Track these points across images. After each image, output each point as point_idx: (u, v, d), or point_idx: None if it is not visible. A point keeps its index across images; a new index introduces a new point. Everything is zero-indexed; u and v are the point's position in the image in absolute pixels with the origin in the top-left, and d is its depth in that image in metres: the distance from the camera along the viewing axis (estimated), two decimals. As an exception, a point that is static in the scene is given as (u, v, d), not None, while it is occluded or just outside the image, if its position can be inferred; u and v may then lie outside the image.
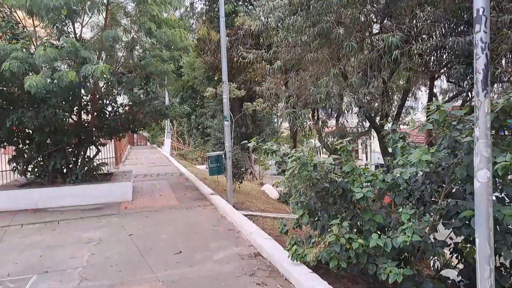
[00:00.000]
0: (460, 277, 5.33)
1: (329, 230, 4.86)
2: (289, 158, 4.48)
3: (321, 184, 4.60)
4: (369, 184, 4.49)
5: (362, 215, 4.48)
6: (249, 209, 10.14)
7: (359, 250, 4.00)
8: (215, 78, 20.06)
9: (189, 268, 5.08)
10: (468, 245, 4.90)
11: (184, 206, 9.16)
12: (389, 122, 10.63)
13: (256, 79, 18.14)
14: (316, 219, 5.00)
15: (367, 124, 10.35)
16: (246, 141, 5.40)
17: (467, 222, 3.98)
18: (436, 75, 7.22)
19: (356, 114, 9.72)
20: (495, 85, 6.38)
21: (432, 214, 4.29)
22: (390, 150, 8.59)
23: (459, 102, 9.22)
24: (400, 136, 5.31)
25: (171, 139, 35.43)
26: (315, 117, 11.70)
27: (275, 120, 32.06)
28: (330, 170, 4.55)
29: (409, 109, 11.79)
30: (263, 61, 7.84)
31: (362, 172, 4.53)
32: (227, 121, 9.52)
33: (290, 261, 4.69)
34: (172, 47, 10.21)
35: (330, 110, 7.17)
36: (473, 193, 4.00)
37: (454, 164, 4.00)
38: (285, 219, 8.78)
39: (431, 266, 6.25)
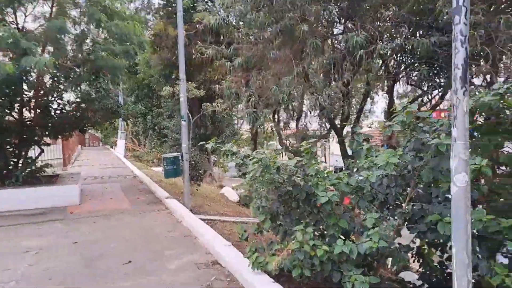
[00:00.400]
0: (421, 280, 5.28)
1: (292, 236, 4.62)
2: (250, 160, 4.18)
3: (284, 187, 4.34)
4: (333, 187, 4.28)
5: (326, 219, 4.26)
6: (208, 213, 9.75)
7: (324, 257, 3.77)
8: (173, 76, 19.47)
9: (139, 280, 4.64)
10: (433, 249, 4.86)
11: (137, 210, 8.62)
12: (349, 125, 10.66)
13: (216, 79, 17.75)
14: (278, 224, 4.73)
15: (327, 126, 10.31)
16: (204, 142, 5.05)
17: (432, 226, 3.86)
18: (397, 78, 7.24)
19: (317, 117, 9.64)
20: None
21: (396, 218, 4.15)
22: (350, 152, 8.54)
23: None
24: (364, 138, 5.19)
25: (126, 140, 34.13)
26: (276, 119, 11.51)
27: (235, 121, 31.75)
28: (294, 173, 4.30)
29: (367, 112, 11.90)
30: (223, 58, 7.52)
31: (326, 175, 4.32)
32: (184, 121, 9.09)
33: (250, 270, 4.38)
34: (127, 42, 9.63)
35: (292, 111, 6.97)
36: (439, 196, 3.94)
37: (420, 167, 3.88)
38: (245, 224, 8.49)
39: (389, 267, 6.19)
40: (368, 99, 10.38)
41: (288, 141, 10.99)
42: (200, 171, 12.37)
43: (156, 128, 31.32)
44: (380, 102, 14.15)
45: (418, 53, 5.36)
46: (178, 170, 9.39)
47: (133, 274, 4.80)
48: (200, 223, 6.98)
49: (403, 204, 4.28)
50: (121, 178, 14.96)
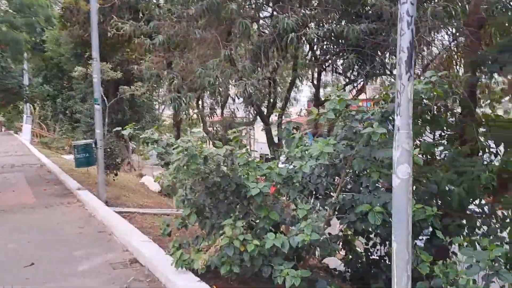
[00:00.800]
0: (346, 267, 5.35)
1: (220, 231, 4.32)
2: (174, 149, 3.77)
3: (212, 178, 4.01)
4: (262, 177, 4.06)
5: (257, 212, 4.03)
6: (126, 204, 9.05)
7: (254, 252, 3.54)
8: (86, 55, 17.84)
9: (42, 286, 4.01)
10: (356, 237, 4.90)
11: (43, 204, 7.67)
12: (276, 113, 10.60)
13: (134, 59, 16.59)
14: (204, 217, 4.39)
15: (253, 113, 10.11)
16: (121, 128, 4.50)
17: (362, 216, 3.83)
18: (323, 66, 7.23)
19: (243, 103, 9.35)
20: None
21: (327, 208, 4.06)
22: (276, 140, 8.44)
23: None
24: (294, 126, 5.04)
25: (32, 124, 30.98)
26: (201, 104, 11.03)
27: (156, 107, 30.38)
28: (222, 163, 3.98)
29: (292, 100, 11.95)
30: (142, 36, 6.87)
31: (256, 165, 4.07)
32: (98, 104, 8.25)
33: (174, 269, 4.01)
34: (31, 15, 8.43)
35: (219, 96, 6.59)
36: (370, 186, 3.91)
37: (351, 156, 3.80)
38: (167, 217, 7.99)
39: (316, 256, 6.23)
40: (294, 87, 10.35)
41: (214, 129, 10.61)
42: (117, 160, 11.48)
43: (67, 112, 28.72)
44: (304, 91, 14.29)
45: (347, 40, 5.32)
46: (91, 158, 8.54)
47: (36, 279, 4.15)
48: (116, 217, 6.38)
49: (333, 194, 4.21)
50: (26, 167, 13.41)
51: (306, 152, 3.59)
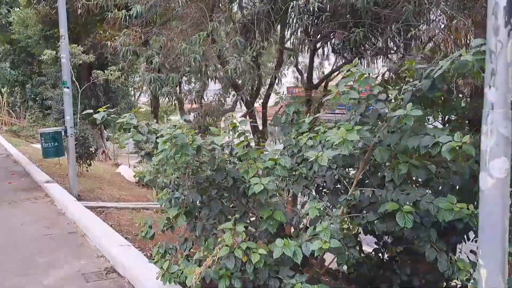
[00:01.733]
0: (352, 268, 4.78)
1: (212, 233, 3.65)
2: (158, 137, 3.05)
3: (203, 172, 3.32)
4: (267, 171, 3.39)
5: (258, 212, 3.37)
6: (100, 198, 8.25)
7: (260, 264, 2.89)
8: (55, 35, 16.62)
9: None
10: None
11: (6, 200, 6.79)
12: (260, 99, 9.93)
13: (108, 40, 15.50)
14: (194, 217, 3.70)
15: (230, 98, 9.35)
16: (92, 111, 3.72)
17: (383, 216, 3.22)
18: (319, 44, 6.55)
19: (221, 88, 8.58)
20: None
21: (341, 206, 3.43)
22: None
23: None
24: (296, 110, 4.37)
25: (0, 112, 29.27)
26: (179, 89, 10.21)
27: (131, 93, 29.16)
28: (217, 153, 3.29)
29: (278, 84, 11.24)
30: (117, 9, 6.02)
31: (258, 156, 3.39)
32: (68, 88, 7.37)
33: (160, 282, 3.32)
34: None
35: (206, 77, 5.84)
36: (395, 180, 3.29)
37: (372, 144, 3.17)
38: (148, 215, 7.25)
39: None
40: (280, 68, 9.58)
41: (199, 115, 9.85)
42: (91, 149, 10.58)
43: (37, 99, 27.24)
44: (289, 76, 13.61)
45: (353, 11, 4.67)
46: (60, 148, 7.67)
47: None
48: (89, 215, 5.61)
49: (348, 189, 3.58)
50: (-11, 158, 12.32)
51: (325, 140, 2.92)
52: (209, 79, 5.75)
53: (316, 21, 5.41)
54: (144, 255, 4.46)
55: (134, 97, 30.90)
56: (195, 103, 7.22)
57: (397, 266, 4.28)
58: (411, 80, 3.18)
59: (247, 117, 8.92)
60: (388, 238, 4.40)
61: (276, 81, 9.15)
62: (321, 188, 3.97)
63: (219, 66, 5.37)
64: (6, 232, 5.08)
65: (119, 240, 4.54)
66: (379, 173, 3.45)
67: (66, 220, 5.65)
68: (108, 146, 24.98)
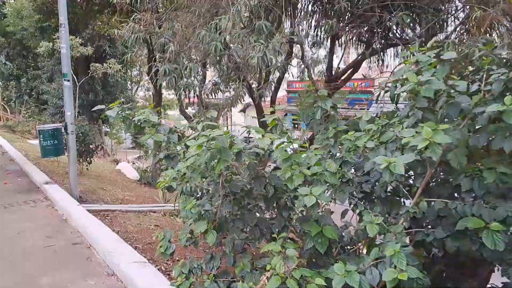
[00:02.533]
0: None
1: (267, 267, 3.09)
2: (189, 138, 2.50)
3: (240, 181, 2.76)
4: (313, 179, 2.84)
5: (303, 227, 2.83)
6: (103, 199, 7.71)
7: (316, 295, 2.35)
8: (52, 26, 15.98)
9: None
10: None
11: (2, 203, 6.21)
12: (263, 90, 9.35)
13: (107, 33, 14.94)
14: (224, 232, 3.15)
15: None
16: (103, 107, 3.15)
17: (456, 233, 2.69)
18: (346, 29, 5.91)
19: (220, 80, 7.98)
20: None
21: (402, 219, 2.89)
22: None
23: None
24: (332, 105, 3.83)
25: (-6, 106, 28.58)
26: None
27: (129, 87, 28.52)
28: (260, 157, 2.74)
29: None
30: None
31: (303, 161, 2.84)
32: (68, 80, 6.77)
33: (186, 312, 2.78)
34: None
35: (227, 68, 5.24)
36: (476, 191, 2.75)
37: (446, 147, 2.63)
38: (156, 218, 6.70)
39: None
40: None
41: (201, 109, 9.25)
42: (91, 146, 10.00)
43: (33, 93, 26.58)
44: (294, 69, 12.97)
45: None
46: (60, 146, 7.07)
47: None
48: (95, 222, 5.05)
49: (408, 198, 3.05)
50: (-17, 155, 11.71)
51: (403, 144, 2.37)
52: (229, 69, 5.15)
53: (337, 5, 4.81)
54: (158, 269, 3.94)
55: (131, 91, 30.26)
56: (207, 97, 6.64)
57: (447, 281, 3.76)
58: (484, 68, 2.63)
59: (245, 112, 8.37)
60: (438, 252, 3.88)
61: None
62: (372, 196, 3.42)
63: (240, 53, 4.78)
64: (2, 243, 4.52)
65: (130, 252, 3.99)
66: (450, 181, 2.89)
67: (69, 227, 5.09)
68: (106, 142, 24.36)
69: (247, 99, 9.78)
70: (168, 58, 4.82)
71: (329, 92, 7.41)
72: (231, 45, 4.61)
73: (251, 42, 4.14)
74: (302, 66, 9.39)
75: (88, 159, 9.86)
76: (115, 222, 5.88)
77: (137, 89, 34.82)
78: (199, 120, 3.04)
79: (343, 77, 7.07)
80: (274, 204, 2.92)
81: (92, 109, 3.20)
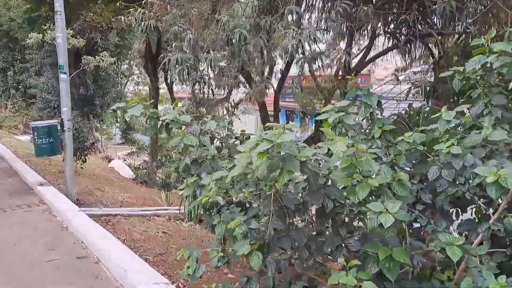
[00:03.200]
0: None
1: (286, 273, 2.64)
2: (252, 145, 2.01)
3: (294, 195, 2.29)
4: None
5: (366, 248, 2.38)
6: (102, 202, 7.18)
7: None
8: (42, 16, 15.21)
9: None
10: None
11: (-9, 208, 5.64)
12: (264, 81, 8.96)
13: (100, 25, 14.24)
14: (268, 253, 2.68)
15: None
16: (125, 105, 2.63)
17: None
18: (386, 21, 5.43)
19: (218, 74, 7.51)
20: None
21: (482, 238, 2.46)
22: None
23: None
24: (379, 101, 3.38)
25: (-22, 101, 27.57)
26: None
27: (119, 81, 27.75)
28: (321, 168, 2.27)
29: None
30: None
31: (365, 169, 2.38)
32: (65, 73, 6.20)
33: None
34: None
35: (248, 59, 4.75)
36: None
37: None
38: (162, 223, 6.20)
39: None
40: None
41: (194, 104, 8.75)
42: (86, 143, 9.41)
43: (20, 87, 25.69)
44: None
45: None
46: (55, 144, 6.49)
47: None
48: (99, 231, 4.52)
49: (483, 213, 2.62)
50: (-32, 153, 10.98)
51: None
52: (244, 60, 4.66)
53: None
54: (172, 283, 3.48)
55: (121, 85, 29.50)
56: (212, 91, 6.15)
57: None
58: None
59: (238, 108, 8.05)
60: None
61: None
62: (429, 208, 2.99)
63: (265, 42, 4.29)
64: (-5, 256, 3.97)
65: (145, 269, 3.48)
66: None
67: (70, 237, 4.55)
68: (99, 138, 23.71)
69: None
70: (181, 47, 4.29)
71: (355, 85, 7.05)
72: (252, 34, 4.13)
73: (279, 29, 3.68)
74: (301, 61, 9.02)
75: (82, 157, 9.27)
76: (118, 228, 5.37)
77: (126, 83, 33.99)
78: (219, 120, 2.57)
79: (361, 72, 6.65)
80: (334, 221, 2.45)
81: (111, 108, 2.70)
